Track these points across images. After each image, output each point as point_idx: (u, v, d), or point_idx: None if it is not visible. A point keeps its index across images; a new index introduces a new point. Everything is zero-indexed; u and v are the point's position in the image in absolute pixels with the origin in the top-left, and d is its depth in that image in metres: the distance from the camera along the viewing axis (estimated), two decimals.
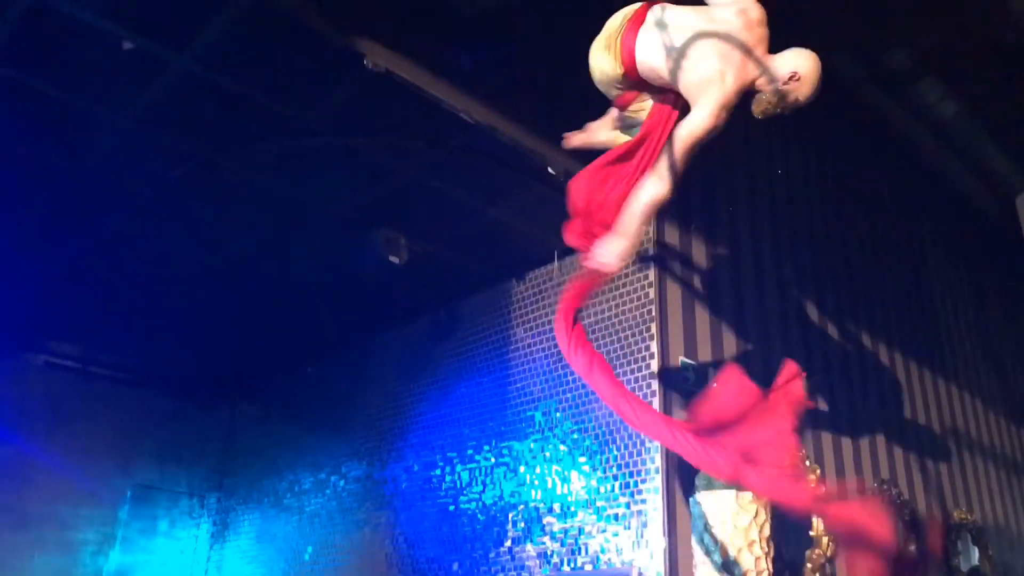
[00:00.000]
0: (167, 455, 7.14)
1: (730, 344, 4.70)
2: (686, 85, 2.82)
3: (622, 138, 3.29)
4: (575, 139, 3.54)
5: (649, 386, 4.30)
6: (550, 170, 4.30)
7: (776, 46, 5.86)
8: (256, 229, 5.16)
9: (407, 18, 3.83)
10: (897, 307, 6.39)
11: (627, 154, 3.06)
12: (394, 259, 4.80)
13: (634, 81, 3.02)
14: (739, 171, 5.36)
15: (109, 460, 6.80)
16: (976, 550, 5.81)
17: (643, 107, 3.16)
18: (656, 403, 4.24)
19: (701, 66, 2.78)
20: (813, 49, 6.10)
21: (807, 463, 4.74)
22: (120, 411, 6.94)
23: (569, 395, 4.70)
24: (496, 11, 4.19)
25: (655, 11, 2.95)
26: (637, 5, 3.03)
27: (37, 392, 6.59)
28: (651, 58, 2.91)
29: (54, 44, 3.54)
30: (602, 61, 3.04)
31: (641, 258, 4.60)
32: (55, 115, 3.97)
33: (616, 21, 3.03)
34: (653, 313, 4.46)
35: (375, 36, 3.65)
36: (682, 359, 4.43)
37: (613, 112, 3.36)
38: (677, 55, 2.83)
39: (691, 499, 3.96)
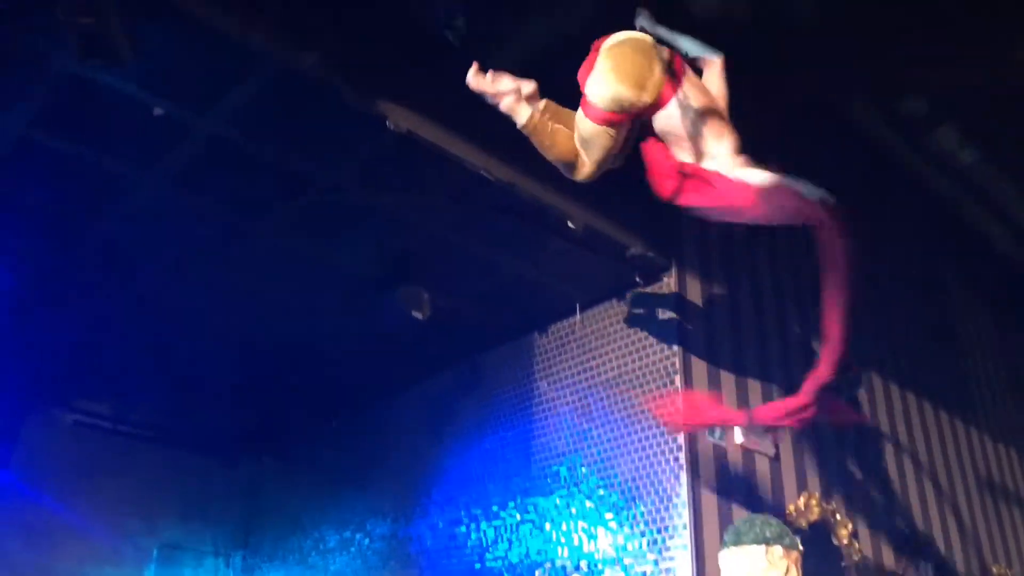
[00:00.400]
0: (193, 513, 7.12)
1: (756, 398, 4.65)
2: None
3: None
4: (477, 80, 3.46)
5: (675, 440, 4.26)
6: (570, 224, 4.35)
7: (786, 94, 5.88)
8: (281, 286, 5.22)
9: (429, 81, 3.92)
10: (925, 356, 6.31)
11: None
12: (417, 314, 4.82)
13: (643, 114, 3.17)
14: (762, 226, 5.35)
15: (135, 519, 6.79)
16: None
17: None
18: (682, 458, 4.20)
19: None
20: (829, 97, 6.14)
21: (838, 518, 4.65)
22: (146, 469, 6.95)
23: (594, 449, 4.66)
24: (515, 73, 4.28)
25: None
26: (664, 55, 3.14)
27: (65, 451, 6.62)
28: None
29: (87, 111, 3.66)
30: (626, 90, 3.09)
31: (663, 313, 4.60)
32: (87, 178, 4.08)
33: (648, 63, 3.09)
34: (676, 366, 4.44)
35: (397, 98, 3.73)
36: None
37: (528, 89, 3.39)
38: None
39: (720, 555, 3.89)
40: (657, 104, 3.13)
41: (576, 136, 3.21)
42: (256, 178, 4.21)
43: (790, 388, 4.85)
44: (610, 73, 3.07)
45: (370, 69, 3.71)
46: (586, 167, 3.25)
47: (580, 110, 3.17)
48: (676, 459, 4.22)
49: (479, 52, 4.40)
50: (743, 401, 4.58)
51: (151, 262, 4.82)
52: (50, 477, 6.48)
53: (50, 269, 5.01)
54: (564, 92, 4.36)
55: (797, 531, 4.31)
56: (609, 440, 4.60)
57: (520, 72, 4.18)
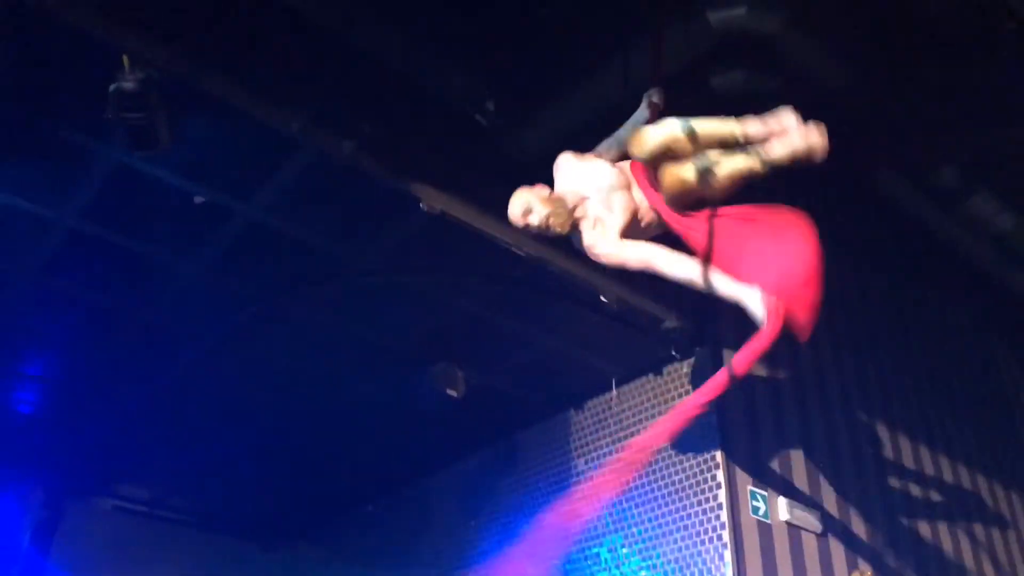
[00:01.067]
0: None
1: (799, 469, 4.54)
2: None
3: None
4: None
5: (718, 517, 4.15)
6: (603, 298, 4.35)
7: (819, 168, 5.92)
8: (318, 367, 5.27)
9: (460, 161, 4.02)
10: (973, 422, 6.12)
11: None
12: (452, 393, 4.83)
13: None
14: None
15: None
16: None
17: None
18: (726, 536, 4.08)
19: None
20: (859, 168, 6.14)
21: None
22: (185, 554, 6.93)
23: (635, 529, 4.55)
24: (544, 154, 4.36)
25: None
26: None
27: (105, 536, 6.64)
28: None
29: (132, 202, 3.80)
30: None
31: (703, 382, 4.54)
32: (131, 266, 4.21)
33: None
34: (717, 440, 4.36)
35: (430, 179, 3.82)
36: (751, 488, 4.29)
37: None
38: None
39: None
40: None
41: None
42: (292, 260, 4.32)
43: (834, 457, 4.74)
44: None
45: (404, 152, 3.81)
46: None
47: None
48: (719, 537, 4.10)
49: (508, 133, 4.55)
50: (786, 470, 4.47)
51: (190, 346, 4.90)
52: (90, 562, 6.48)
53: (93, 357, 5.12)
54: None
55: None
56: (650, 519, 4.50)
57: (546, 154, 4.31)
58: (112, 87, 2.79)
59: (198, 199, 3.72)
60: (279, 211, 3.97)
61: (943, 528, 5.18)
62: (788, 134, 3.10)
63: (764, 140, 3.12)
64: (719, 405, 4.41)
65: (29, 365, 5.27)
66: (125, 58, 2.79)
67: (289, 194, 3.85)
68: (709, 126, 3.10)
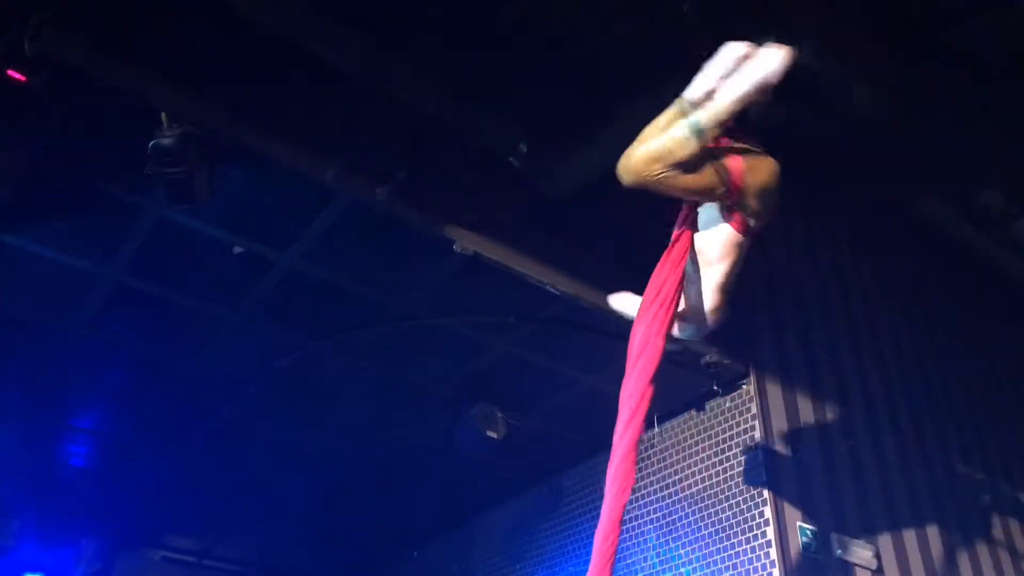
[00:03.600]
0: None
1: (850, 503, 4.42)
2: None
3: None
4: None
5: (768, 555, 4.05)
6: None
7: (867, 195, 5.83)
8: (358, 413, 5.31)
9: (492, 202, 4.06)
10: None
11: None
12: (492, 434, 4.82)
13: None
14: (838, 320, 5.24)
15: None
16: None
17: None
18: (776, 574, 3.97)
19: None
20: (902, 195, 6.04)
21: None
22: None
23: (683, 569, 4.46)
24: (576, 193, 4.39)
25: None
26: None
27: None
28: None
29: (175, 254, 3.90)
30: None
31: (745, 422, 4.47)
32: (175, 317, 4.31)
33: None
34: (763, 476, 4.27)
35: (463, 222, 3.86)
36: (800, 524, 4.18)
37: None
38: None
39: None
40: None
41: None
42: (332, 308, 4.38)
43: (885, 490, 4.61)
44: None
45: (437, 196, 3.85)
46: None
47: None
48: (770, 575, 4.00)
49: (540, 174, 4.58)
50: (836, 505, 4.35)
51: (234, 394, 4.97)
52: None
53: (141, 409, 5.23)
54: (621, 211, 4.46)
55: None
56: (698, 559, 4.40)
57: (578, 193, 4.32)
58: (151, 143, 2.89)
59: (237, 249, 3.80)
60: (317, 259, 4.03)
61: (1005, 559, 4.99)
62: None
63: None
64: (765, 442, 4.33)
65: (79, 418, 5.39)
66: (164, 115, 2.89)
67: (326, 242, 3.91)
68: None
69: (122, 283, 4.05)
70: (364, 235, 3.92)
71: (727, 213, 2.91)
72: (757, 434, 4.38)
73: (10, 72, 2.80)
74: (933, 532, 4.68)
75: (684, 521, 4.55)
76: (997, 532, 5.08)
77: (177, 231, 3.75)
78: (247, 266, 3.99)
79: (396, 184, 3.61)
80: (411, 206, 3.72)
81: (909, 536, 4.52)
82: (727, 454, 4.51)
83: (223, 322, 4.41)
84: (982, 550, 4.89)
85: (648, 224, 4.64)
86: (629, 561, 4.77)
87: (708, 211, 2.98)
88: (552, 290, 4.12)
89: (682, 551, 4.45)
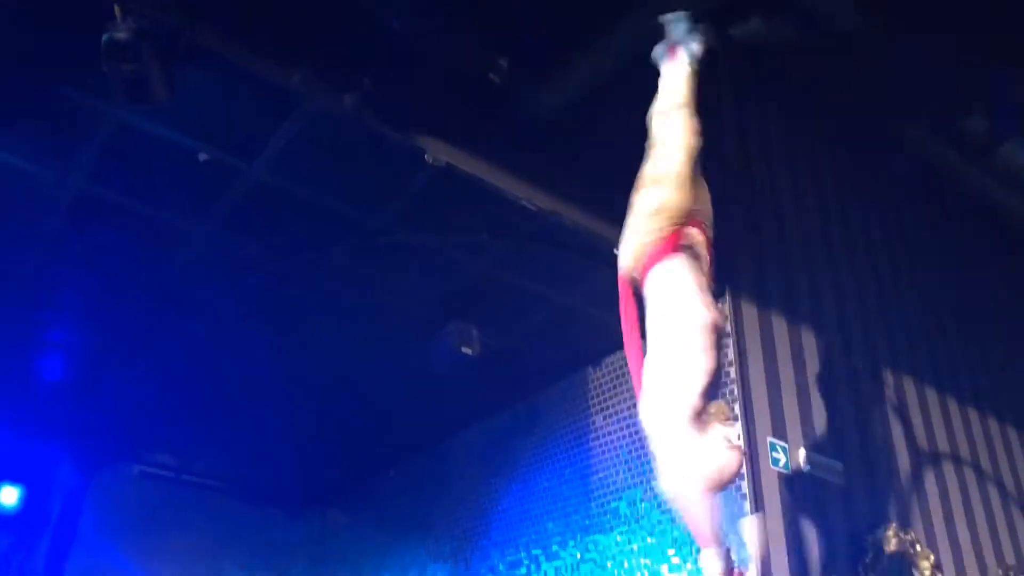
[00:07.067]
0: (259, 563, 7.16)
1: (820, 422, 4.46)
2: None
3: None
4: None
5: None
6: (616, 251, 4.27)
7: (850, 118, 5.76)
8: (333, 331, 5.27)
9: (467, 116, 3.95)
10: (1006, 381, 5.99)
11: None
12: (467, 351, 4.80)
13: None
14: (816, 241, 5.21)
15: (202, 568, 6.86)
16: None
17: None
18: (744, 488, 4.02)
19: None
20: (884, 118, 5.96)
21: (918, 548, 4.39)
22: (212, 520, 7.04)
23: (653, 483, 4.51)
24: (559, 113, 4.28)
25: None
26: None
27: (132, 502, 6.76)
28: None
29: (136, 161, 3.79)
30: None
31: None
32: (139, 228, 4.21)
33: None
34: (736, 393, 4.29)
35: (436, 132, 3.76)
36: (770, 439, 4.23)
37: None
38: None
39: None
40: None
41: None
42: (302, 222, 4.29)
43: (857, 408, 4.66)
44: None
45: (409, 107, 3.74)
46: None
47: None
48: (738, 488, 4.04)
49: (522, 91, 4.46)
50: (807, 423, 4.39)
51: (205, 313, 4.92)
52: (119, 528, 6.61)
53: (111, 323, 5.16)
54: (605, 132, 4.37)
55: (874, 562, 4.09)
56: None
57: (561, 113, 4.21)
58: (104, 37, 2.76)
59: (203, 156, 3.69)
60: (284, 170, 3.93)
61: (971, 480, 5.09)
62: None
63: None
64: (738, 360, 4.34)
65: (49, 332, 5.32)
66: (117, 8, 2.76)
67: (294, 152, 3.81)
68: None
69: (84, 192, 3.94)
70: (333, 146, 3.82)
71: None
72: (730, 353, 4.38)
73: None
74: (901, 451, 4.75)
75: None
76: (963, 451, 5.17)
77: (139, 138, 3.63)
78: (213, 176, 3.89)
79: (364, 92, 3.49)
80: (380, 115, 3.61)
81: (878, 454, 4.58)
82: None
83: (190, 235, 4.32)
84: (948, 468, 4.98)
85: (630, 143, 4.56)
86: (602, 475, 4.83)
87: None
88: (529, 206, 4.04)
89: (652, 465, 4.49)
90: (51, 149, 3.75)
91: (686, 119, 2.86)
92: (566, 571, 4.82)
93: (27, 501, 6.49)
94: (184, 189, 3.99)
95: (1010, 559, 4.91)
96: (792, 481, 4.16)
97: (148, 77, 2.84)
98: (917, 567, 4.39)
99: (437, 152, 3.76)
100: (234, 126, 3.67)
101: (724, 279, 4.58)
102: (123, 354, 5.46)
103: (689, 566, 4.15)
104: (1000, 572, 4.77)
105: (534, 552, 5.11)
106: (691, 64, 2.98)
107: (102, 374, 5.72)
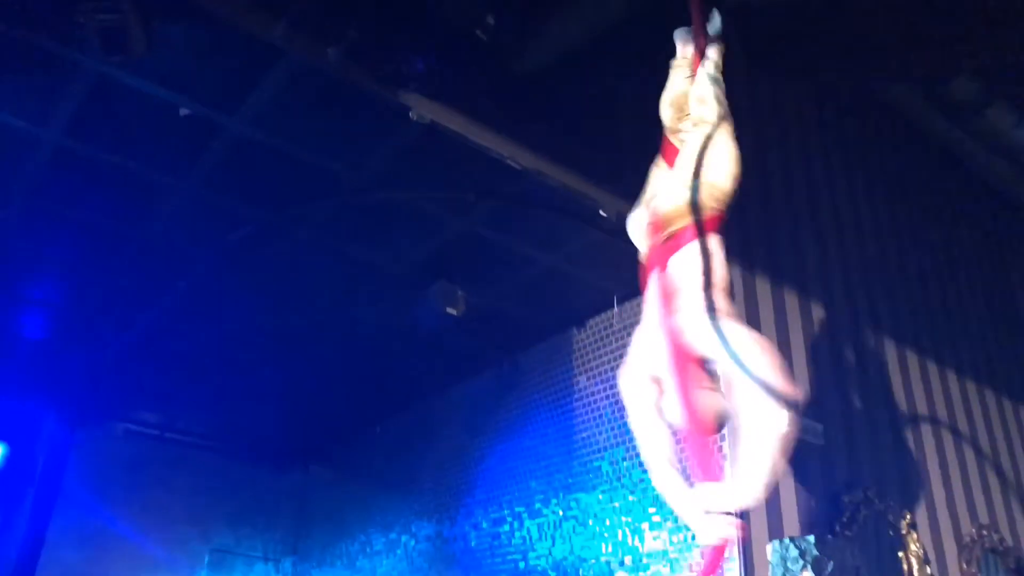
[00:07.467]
0: (243, 520, 7.22)
1: (802, 383, 4.50)
2: None
3: None
4: None
5: None
6: (602, 212, 4.27)
7: (837, 80, 5.71)
8: (316, 289, 5.25)
9: (452, 72, 3.90)
10: (986, 343, 6.06)
11: None
12: (451, 311, 4.80)
13: None
14: (801, 202, 5.21)
15: (187, 526, 6.91)
16: None
17: None
18: (724, 448, 4.07)
19: None
20: (869, 79, 5.91)
21: (895, 508, 4.47)
22: (197, 476, 7.07)
23: (636, 442, 4.55)
24: (546, 70, 4.23)
25: None
26: None
27: (117, 460, 6.77)
28: None
29: (117, 115, 3.72)
30: None
31: None
32: (120, 183, 4.15)
33: None
34: None
35: (420, 90, 3.71)
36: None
37: None
38: None
39: (769, 546, 3.76)
40: None
41: None
42: (285, 179, 4.24)
43: (838, 370, 4.70)
44: None
45: (393, 62, 3.69)
46: None
47: None
48: (719, 449, 4.09)
49: (509, 47, 4.41)
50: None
51: (188, 267, 4.88)
52: (104, 486, 6.63)
53: (94, 280, 5.12)
54: (591, 92, 4.33)
55: (851, 521, 4.16)
56: None
57: (548, 70, 4.16)
58: None
59: (183, 111, 3.63)
60: (267, 125, 3.86)
61: (948, 441, 5.16)
62: None
63: None
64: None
65: (31, 288, 5.27)
66: None
67: (276, 107, 3.74)
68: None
69: (63, 146, 3.88)
70: (316, 101, 3.76)
71: None
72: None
73: None
74: (880, 413, 4.80)
75: None
76: (941, 413, 5.24)
77: (119, 91, 3.56)
78: (195, 130, 3.82)
79: (348, 45, 3.43)
80: (365, 70, 3.56)
81: (857, 416, 4.63)
82: None
83: (172, 191, 4.26)
84: (925, 430, 5.05)
85: (616, 103, 4.53)
86: (585, 434, 4.88)
87: None
88: (514, 165, 4.01)
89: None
90: (27, 100, 3.67)
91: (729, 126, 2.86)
92: (548, 528, 4.88)
93: (11, 459, 6.49)
94: (165, 144, 3.93)
95: (984, 518, 5.01)
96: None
97: (126, 28, 2.78)
98: (893, 526, 4.47)
99: (422, 109, 3.72)
100: (215, 80, 3.60)
101: None
102: (106, 311, 5.42)
103: (669, 524, 4.21)
104: (973, 530, 4.87)
105: (517, 509, 5.17)
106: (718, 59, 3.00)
107: (86, 331, 5.69)
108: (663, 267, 2.65)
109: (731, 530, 2.42)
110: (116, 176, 4.08)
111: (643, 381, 2.68)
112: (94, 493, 6.51)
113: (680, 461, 2.69)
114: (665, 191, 2.79)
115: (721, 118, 2.87)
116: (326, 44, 3.42)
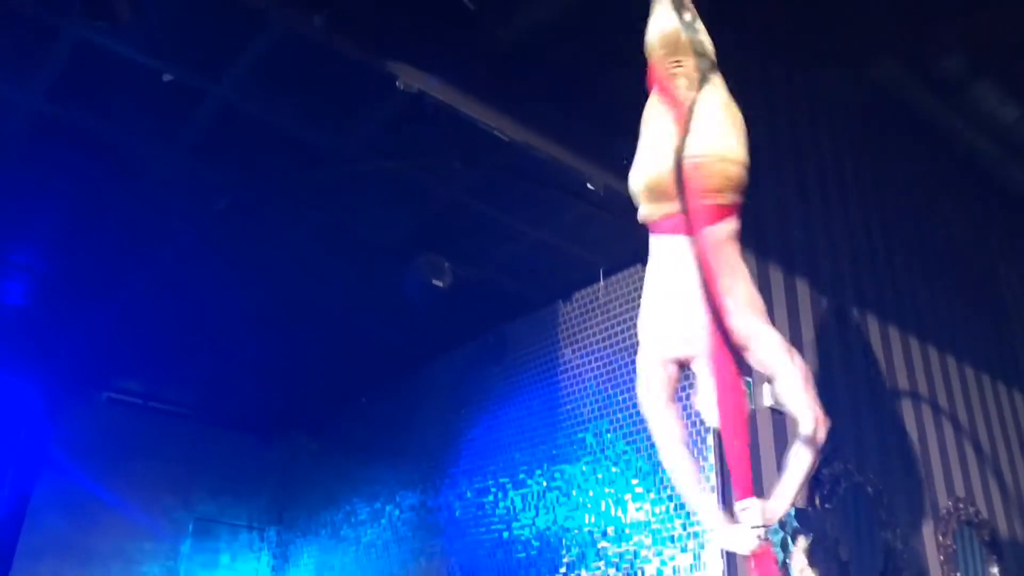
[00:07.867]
0: (227, 489, 7.23)
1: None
2: None
3: None
4: None
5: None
6: (589, 185, 4.26)
7: (823, 57, 5.70)
8: (302, 260, 5.22)
9: (440, 41, 3.86)
10: (966, 320, 6.11)
11: None
12: (437, 283, 4.79)
13: None
14: (787, 176, 5.22)
15: (170, 495, 6.91)
16: None
17: None
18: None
19: None
20: (855, 55, 5.91)
21: (873, 483, 4.53)
22: (181, 446, 7.07)
23: (620, 415, 4.60)
24: (532, 39, 4.19)
25: None
26: None
27: (100, 429, 6.75)
28: None
29: (99, 81, 3.66)
30: None
31: None
32: (102, 151, 4.10)
33: None
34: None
35: (407, 58, 3.67)
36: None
37: None
38: None
39: None
40: None
41: None
42: (269, 148, 4.20)
43: (823, 349, 4.73)
44: None
45: (379, 30, 3.65)
46: None
47: None
48: (702, 422, 4.12)
49: (496, 16, 4.36)
50: None
51: (172, 236, 4.84)
52: (87, 454, 6.62)
53: (78, 247, 5.07)
54: (578, 62, 4.29)
55: (830, 494, 4.21)
56: (635, 405, 4.47)
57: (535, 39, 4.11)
58: None
59: (166, 77, 3.58)
60: (251, 94, 3.82)
61: (927, 416, 5.23)
62: None
63: None
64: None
65: (13, 254, 5.21)
66: None
67: (260, 75, 3.70)
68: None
69: (44, 111, 3.81)
70: (301, 70, 3.72)
71: None
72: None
73: None
74: (864, 392, 4.85)
75: (623, 370, 4.64)
76: (921, 387, 5.30)
77: (101, 56, 3.49)
78: (178, 99, 3.77)
79: (335, 12, 3.39)
80: (351, 38, 3.51)
81: (838, 390, 4.68)
82: None
83: (156, 159, 4.21)
84: (905, 404, 5.11)
85: (604, 74, 4.48)
86: (570, 406, 4.90)
87: None
88: (500, 136, 3.99)
89: (620, 397, 4.57)
90: (7, 65, 3.60)
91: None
92: (532, 499, 4.92)
93: None
94: (148, 111, 3.87)
95: (960, 491, 5.09)
96: (755, 416, 4.25)
97: None
98: (872, 499, 4.54)
99: (408, 78, 3.68)
100: (200, 46, 3.55)
101: None
102: (89, 279, 5.38)
103: (651, 495, 4.25)
104: (950, 503, 4.95)
105: (501, 480, 5.21)
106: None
107: (68, 299, 5.64)
108: (697, 235, 2.36)
109: (756, 543, 2.29)
110: (98, 144, 4.03)
111: (661, 362, 2.57)
112: (77, 462, 6.50)
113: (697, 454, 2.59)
114: (690, 143, 2.47)
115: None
116: (312, 10, 3.37)
